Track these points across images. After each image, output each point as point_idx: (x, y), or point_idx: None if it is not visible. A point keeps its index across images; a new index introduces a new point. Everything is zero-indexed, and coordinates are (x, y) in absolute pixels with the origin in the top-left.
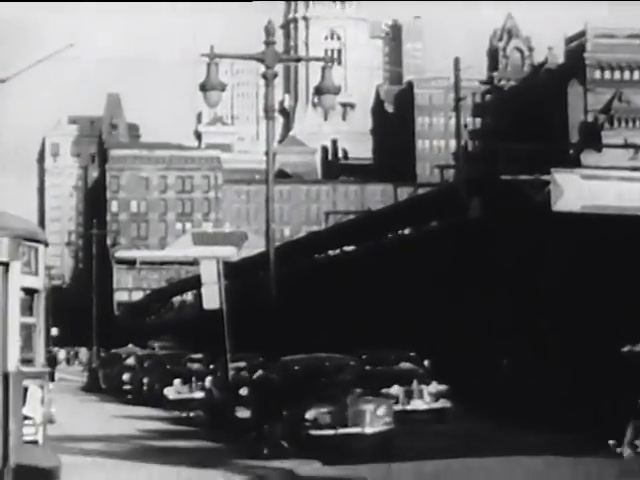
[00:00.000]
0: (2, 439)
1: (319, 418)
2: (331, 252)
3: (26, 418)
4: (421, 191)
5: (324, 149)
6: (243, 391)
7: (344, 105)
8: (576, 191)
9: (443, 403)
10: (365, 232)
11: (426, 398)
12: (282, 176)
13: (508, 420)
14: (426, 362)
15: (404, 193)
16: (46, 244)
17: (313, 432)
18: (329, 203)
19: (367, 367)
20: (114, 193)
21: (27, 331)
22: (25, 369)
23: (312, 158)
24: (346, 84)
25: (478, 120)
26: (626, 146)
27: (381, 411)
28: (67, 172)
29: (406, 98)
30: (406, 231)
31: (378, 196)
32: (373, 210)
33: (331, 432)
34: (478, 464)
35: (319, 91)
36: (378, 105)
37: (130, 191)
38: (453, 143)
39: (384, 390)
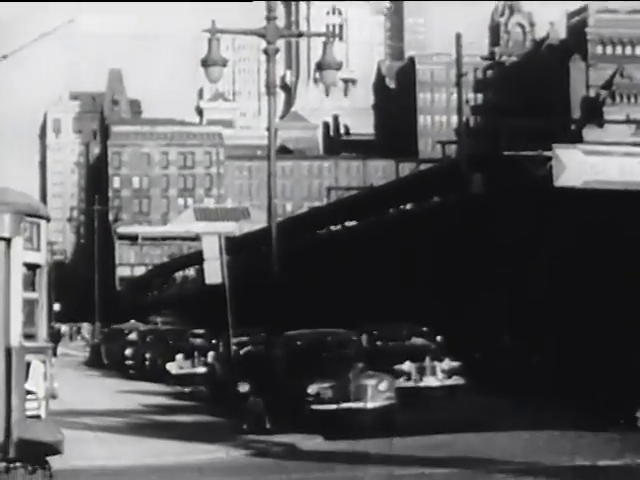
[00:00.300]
0: (5, 414)
1: (321, 393)
2: (333, 228)
3: (29, 393)
4: (423, 167)
5: (326, 125)
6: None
7: (346, 81)
8: (578, 166)
9: (456, 380)
10: (367, 208)
11: (439, 375)
12: (284, 152)
13: (523, 397)
14: (438, 338)
15: (406, 169)
16: (48, 220)
17: (315, 407)
18: (331, 179)
19: (378, 343)
20: (116, 169)
21: (29, 306)
22: (28, 344)
23: (314, 134)
24: (347, 60)
25: (480, 96)
26: (628, 122)
27: (383, 386)
28: (69, 148)
29: (408, 74)
30: (408, 207)
31: (380, 172)
32: (375, 186)
33: (333, 407)
34: (480, 438)
35: (320, 67)
36: (380, 81)
37: (132, 167)
38: (455, 119)
39: (396, 367)
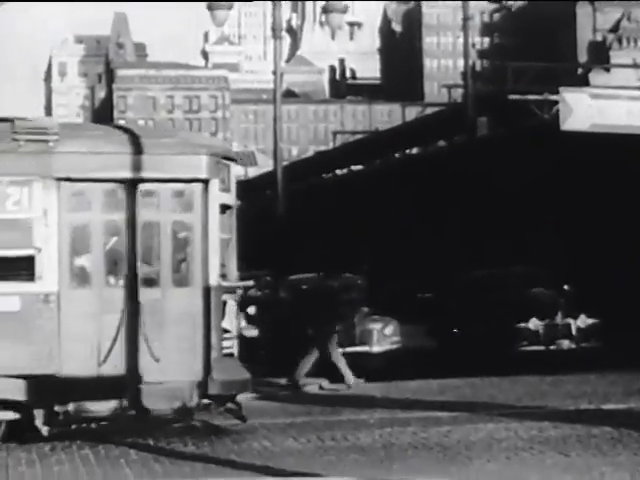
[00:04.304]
0: (204, 352)
1: None
2: (339, 171)
3: (225, 331)
4: (429, 111)
5: (332, 68)
6: (251, 310)
7: (351, 24)
8: (585, 110)
9: (594, 343)
10: (373, 152)
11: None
12: (290, 96)
13: None
14: (566, 286)
15: (412, 112)
16: (236, 161)
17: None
18: (337, 123)
19: (483, 292)
20: (121, 113)
21: (222, 247)
22: (224, 284)
23: (319, 78)
24: (353, 3)
25: (486, 39)
26: (635, 66)
27: (388, 330)
28: (74, 92)
29: (414, 17)
30: (414, 150)
31: (386, 115)
32: (381, 130)
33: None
34: (485, 382)
35: (326, 10)
36: (386, 24)
37: (137, 111)
38: (461, 62)
39: (520, 325)
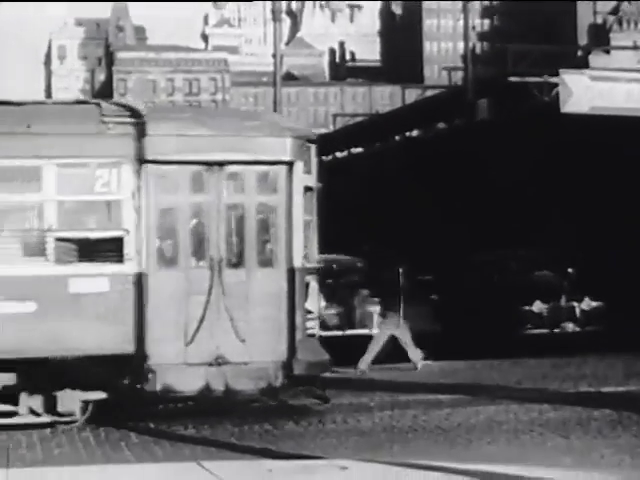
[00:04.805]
0: (289, 332)
1: (327, 319)
2: (339, 154)
3: (308, 312)
4: (429, 93)
5: (332, 51)
6: None
7: (351, 6)
8: (585, 92)
9: (598, 325)
10: (373, 134)
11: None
12: (289, 78)
13: None
14: (570, 270)
15: (412, 95)
16: (316, 143)
17: (321, 333)
18: (337, 105)
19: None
20: (121, 96)
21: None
22: (307, 265)
23: (319, 60)
24: None
25: (487, 22)
26: (635, 48)
27: None
28: (74, 75)
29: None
30: (414, 133)
31: (386, 98)
32: (381, 112)
33: (339, 333)
34: (487, 365)
35: None
36: (386, 7)
37: (137, 94)
38: (461, 45)
39: (524, 308)
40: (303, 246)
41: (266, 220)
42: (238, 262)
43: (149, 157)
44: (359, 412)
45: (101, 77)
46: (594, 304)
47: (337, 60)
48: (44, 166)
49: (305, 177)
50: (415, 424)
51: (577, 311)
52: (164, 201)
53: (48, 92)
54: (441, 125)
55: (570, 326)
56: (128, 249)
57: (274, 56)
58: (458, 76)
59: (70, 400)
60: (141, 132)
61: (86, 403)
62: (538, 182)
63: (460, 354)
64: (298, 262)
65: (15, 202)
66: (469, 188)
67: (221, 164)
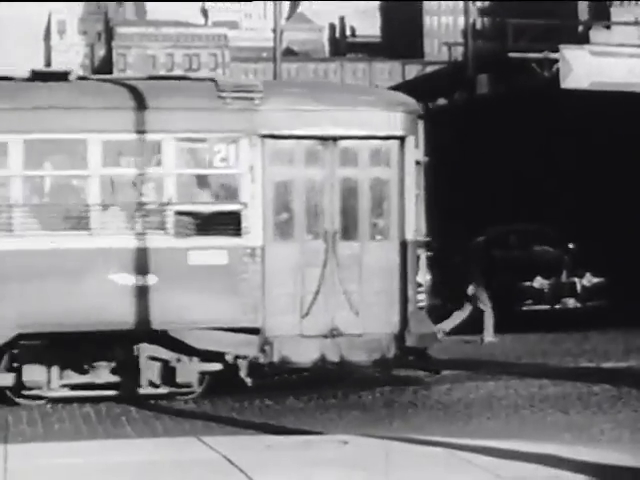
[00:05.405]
0: (401, 305)
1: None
2: None
3: (418, 285)
4: (429, 69)
5: (332, 26)
6: None
7: None
8: (585, 68)
9: (599, 301)
10: None
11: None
12: (289, 54)
13: None
14: (571, 245)
15: (412, 71)
16: (423, 117)
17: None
18: (337, 81)
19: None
20: (121, 71)
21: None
22: (419, 238)
23: (320, 35)
24: None
25: None
26: (636, 23)
27: None
28: (74, 50)
29: None
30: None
31: (386, 74)
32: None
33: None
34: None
35: None
36: None
37: (137, 69)
38: (461, 20)
39: (525, 283)
40: (415, 219)
41: (379, 194)
42: (352, 235)
43: (265, 132)
44: (360, 387)
45: (101, 52)
46: (595, 280)
47: (337, 35)
48: (164, 140)
49: (415, 151)
50: (415, 399)
51: (578, 287)
52: (280, 175)
53: (48, 67)
54: (441, 101)
55: (571, 302)
56: (246, 222)
57: (274, 31)
58: (458, 51)
59: (188, 372)
60: (258, 107)
61: (203, 375)
62: (539, 157)
63: (460, 330)
64: (410, 235)
65: (136, 175)
66: (468, 164)
67: (336, 138)
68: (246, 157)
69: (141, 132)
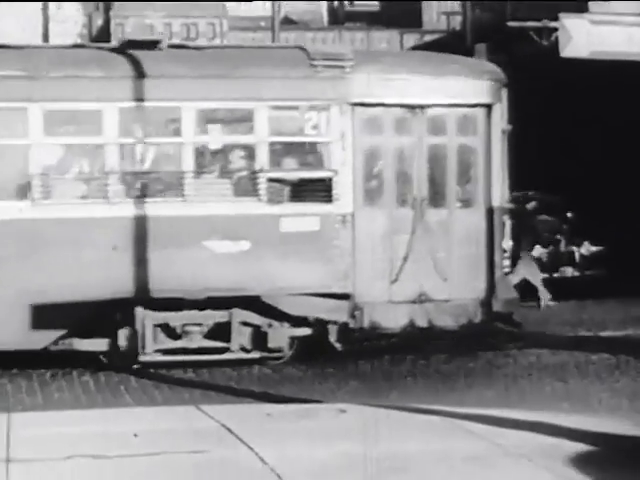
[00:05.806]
0: (488, 271)
1: None
2: None
3: (503, 251)
4: (427, 38)
5: None
6: None
7: None
8: (585, 36)
9: (598, 270)
10: None
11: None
12: (288, 23)
13: None
14: (570, 214)
15: (410, 40)
16: (506, 85)
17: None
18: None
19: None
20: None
21: None
22: (505, 205)
23: (318, 5)
24: None
25: None
26: None
27: None
28: (72, 20)
29: None
30: None
31: (384, 43)
32: None
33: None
34: None
35: None
36: None
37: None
38: None
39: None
40: (501, 186)
41: (466, 161)
42: (439, 202)
43: (356, 100)
44: (358, 356)
45: (99, 22)
46: (594, 249)
47: (335, 4)
48: (257, 108)
49: (501, 119)
50: (414, 369)
51: (576, 256)
52: (369, 143)
53: (45, 37)
54: None
55: (569, 271)
56: (337, 189)
57: (272, 0)
58: (457, 21)
59: (279, 336)
60: (348, 75)
61: (293, 339)
62: (539, 125)
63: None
64: (497, 202)
65: (228, 143)
66: None
67: (423, 107)
68: (337, 125)
69: (234, 100)
